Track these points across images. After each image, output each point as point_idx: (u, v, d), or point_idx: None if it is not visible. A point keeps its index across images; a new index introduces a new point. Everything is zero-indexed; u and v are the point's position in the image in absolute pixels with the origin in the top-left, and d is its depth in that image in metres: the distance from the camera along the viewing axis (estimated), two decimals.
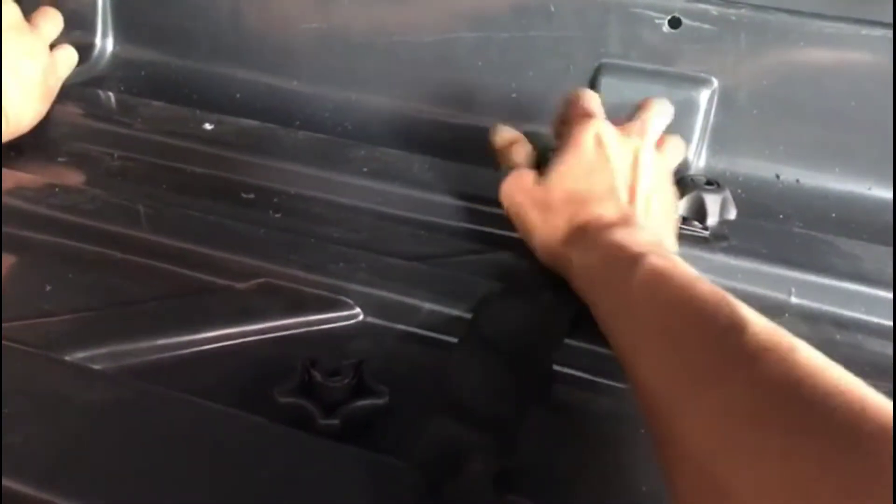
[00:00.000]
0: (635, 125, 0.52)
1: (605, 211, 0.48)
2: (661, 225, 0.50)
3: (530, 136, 0.57)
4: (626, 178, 0.49)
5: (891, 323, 0.51)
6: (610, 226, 0.47)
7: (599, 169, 0.49)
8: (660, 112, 0.53)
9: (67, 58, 0.68)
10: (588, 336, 0.46)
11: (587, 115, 0.51)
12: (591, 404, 0.45)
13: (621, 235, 0.45)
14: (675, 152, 0.54)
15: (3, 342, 0.42)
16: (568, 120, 0.53)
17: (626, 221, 0.47)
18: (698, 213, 0.56)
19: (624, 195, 0.49)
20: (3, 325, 0.45)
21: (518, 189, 0.51)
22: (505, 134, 0.57)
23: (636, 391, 0.38)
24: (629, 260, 0.42)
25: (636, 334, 0.39)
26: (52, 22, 0.67)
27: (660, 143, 0.53)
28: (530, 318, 0.46)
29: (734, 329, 0.34)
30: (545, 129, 0.69)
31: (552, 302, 0.48)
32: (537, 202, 0.50)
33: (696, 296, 0.38)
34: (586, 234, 0.47)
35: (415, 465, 0.35)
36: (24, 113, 0.62)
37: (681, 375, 0.34)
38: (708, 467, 0.30)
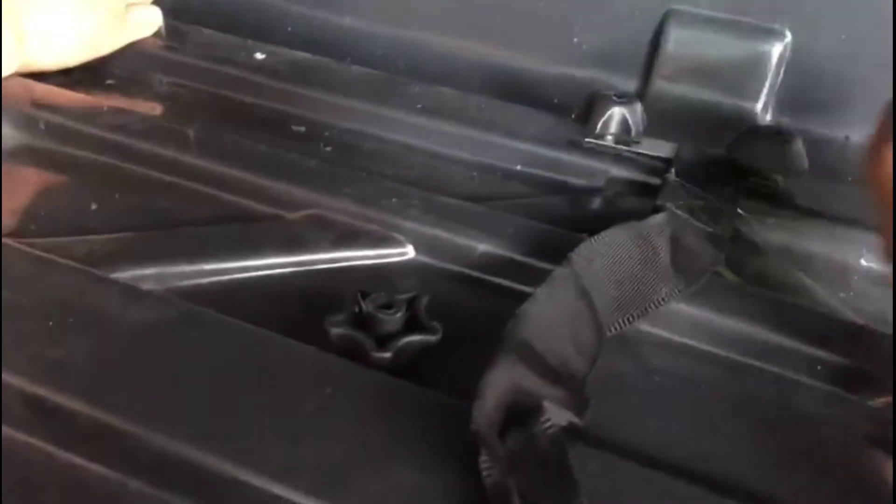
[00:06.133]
0: None
1: None
2: None
3: None
4: None
5: None
6: None
7: None
8: None
9: (145, 21, 0.66)
10: None
11: None
12: (674, 366, 0.42)
13: None
14: None
15: (44, 255, 0.41)
16: None
17: None
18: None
19: None
20: (44, 240, 0.44)
21: None
22: None
23: None
24: None
25: None
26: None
27: None
28: (649, 273, 0.42)
29: None
30: (607, 77, 0.67)
31: (678, 262, 0.43)
32: None
33: None
34: None
35: (475, 407, 0.33)
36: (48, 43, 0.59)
37: None
38: None
